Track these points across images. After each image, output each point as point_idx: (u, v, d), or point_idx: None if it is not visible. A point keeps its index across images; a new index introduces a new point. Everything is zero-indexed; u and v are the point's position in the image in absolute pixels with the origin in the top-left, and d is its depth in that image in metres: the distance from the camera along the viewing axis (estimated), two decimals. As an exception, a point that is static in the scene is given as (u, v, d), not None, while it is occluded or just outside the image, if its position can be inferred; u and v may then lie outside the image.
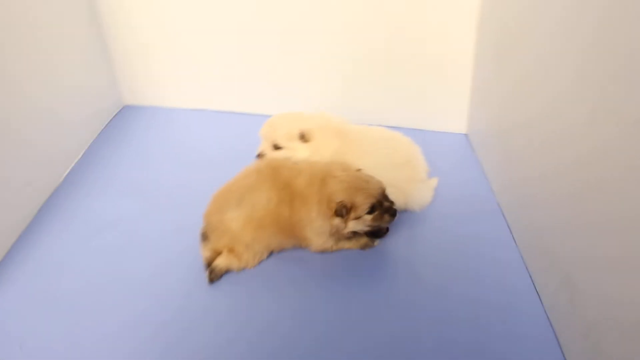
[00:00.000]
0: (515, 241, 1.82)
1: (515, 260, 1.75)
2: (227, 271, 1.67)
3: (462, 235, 1.86)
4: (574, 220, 1.40)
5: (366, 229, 1.64)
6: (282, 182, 1.64)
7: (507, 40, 1.96)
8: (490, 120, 2.19)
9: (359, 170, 1.67)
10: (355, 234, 1.70)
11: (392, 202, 1.63)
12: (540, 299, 1.59)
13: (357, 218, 1.59)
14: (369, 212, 1.59)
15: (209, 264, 1.65)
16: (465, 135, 2.50)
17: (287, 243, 1.72)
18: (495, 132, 2.11)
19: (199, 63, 2.54)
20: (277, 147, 1.94)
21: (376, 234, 1.71)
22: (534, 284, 1.65)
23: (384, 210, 1.61)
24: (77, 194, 2.04)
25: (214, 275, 1.64)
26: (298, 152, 1.93)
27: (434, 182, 2.06)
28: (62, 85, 2.13)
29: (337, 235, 1.67)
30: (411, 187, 1.91)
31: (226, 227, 1.65)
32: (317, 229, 1.63)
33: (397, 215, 1.63)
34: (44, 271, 1.69)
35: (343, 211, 1.56)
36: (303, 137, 1.92)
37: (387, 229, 1.70)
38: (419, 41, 2.29)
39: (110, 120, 2.56)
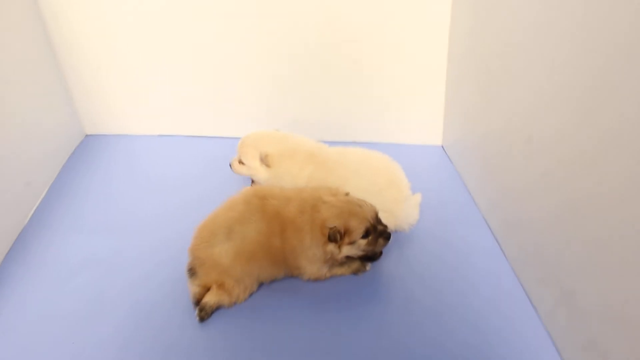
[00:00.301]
0: (504, 253, 1.83)
1: (506, 273, 1.75)
2: (217, 308, 1.59)
3: (450, 251, 1.85)
4: (567, 229, 1.40)
5: (360, 253, 1.61)
6: (271, 212, 1.59)
7: (479, 50, 1.98)
8: (466, 131, 2.20)
9: (347, 194, 1.64)
10: (348, 259, 1.66)
11: (385, 226, 1.61)
12: (537, 312, 1.59)
13: (352, 243, 1.56)
14: (364, 237, 1.56)
15: (197, 301, 1.57)
16: (441, 147, 2.51)
17: (279, 274, 1.66)
18: (472, 142, 2.13)
19: (158, 89, 2.46)
20: (242, 163, 1.97)
21: (370, 257, 1.68)
22: (528, 297, 1.65)
23: (378, 234, 1.58)
24: (45, 235, 1.91)
25: (204, 314, 1.56)
26: (259, 174, 1.94)
27: (418, 198, 2.04)
28: (20, 122, 2.01)
29: (331, 262, 1.63)
30: (398, 207, 1.88)
31: (215, 261, 1.57)
32: (311, 256, 1.58)
33: (391, 238, 1.61)
34: (17, 325, 1.56)
35: (337, 236, 1.53)
36: (263, 161, 1.91)
37: (381, 253, 1.67)
38: (390, 54, 2.29)
39: (73, 151, 2.44)
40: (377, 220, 1.59)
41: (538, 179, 1.56)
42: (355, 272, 1.73)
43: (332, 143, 2.09)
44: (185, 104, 2.51)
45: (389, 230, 1.61)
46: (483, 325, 1.56)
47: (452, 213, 2.06)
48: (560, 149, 1.42)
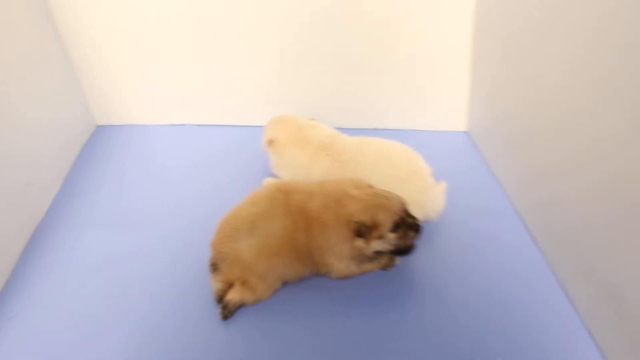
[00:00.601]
0: (537, 245, 1.75)
1: (539, 265, 1.67)
2: (241, 306, 1.53)
3: (480, 241, 1.78)
4: (605, 219, 1.32)
5: (391, 247, 1.53)
6: (295, 208, 1.52)
7: (505, 32, 1.89)
8: (491, 116, 2.11)
9: (371, 186, 1.56)
10: (377, 254, 1.59)
11: (414, 218, 1.53)
12: (577, 311, 1.51)
13: (381, 237, 1.48)
14: (393, 230, 1.48)
15: (220, 298, 1.51)
16: (466, 132, 2.42)
17: (305, 272, 1.59)
18: (498, 127, 2.04)
19: (168, 78, 2.38)
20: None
21: (402, 251, 1.60)
22: (565, 290, 1.57)
23: (408, 227, 1.51)
24: (60, 231, 1.85)
25: (228, 312, 1.50)
26: (270, 157, 1.98)
27: (442, 186, 1.96)
28: (31, 115, 1.93)
29: (360, 258, 1.56)
30: (423, 197, 1.81)
31: (238, 256, 1.51)
32: (339, 253, 1.52)
33: (422, 230, 1.53)
34: (35, 326, 1.51)
35: (364, 231, 1.46)
36: (267, 145, 1.93)
37: (414, 246, 1.59)
38: (414, 38, 2.19)
39: (85, 143, 2.37)
40: (406, 213, 1.51)
41: (568, 160, 1.49)
42: (385, 267, 1.66)
43: (353, 130, 2.03)
44: (197, 93, 2.43)
45: (419, 222, 1.53)
46: (520, 317, 1.50)
47: (480, 200, 1.98)
48: (591, 128, 1.36)
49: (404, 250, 1.58)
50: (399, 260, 1.67)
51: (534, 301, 1.56)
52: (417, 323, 1.50)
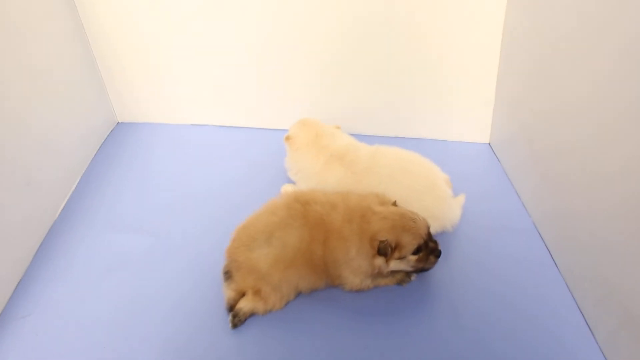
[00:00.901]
0: (555, 263, 1.71)
1: (557, 285, 1.64)
2: (251, 315, 1.52)
3: (497, 256, 1.75)
4: (630, 240, 1.27)
5: (409, 269, 1.53)
6: (314, 219, 1.50)
7: (532, 44, 1.85)
8: (515, 128, 2.07)
9: (395, 203, 1.55)
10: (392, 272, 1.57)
11: (436, 242, 1.52)
12: (594, 334, 1.47)
13: (401, 258, 1.47)
14: (414, 253, 1.47)
15: (232, 306, 1.50)
16: (489, 144, 2.37)
17: (320, 284, 1.58)
18: (522, 140, 2.00)
19: (191, 78, 2.37)
20: None
21: (419, 271, 1.58)
22: (584, 317, 1.53)
23: (430, 252, 1.50)
24: (77, 231, 1.85)
25: (238, 320, 1.49)
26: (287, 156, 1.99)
27: (461, 199, 1.93)
28: (52, 111, 1.94)
29: (376, 274, 1.53)
30: (440, 209, 1.79)
31: (253, 266, 1.49)
32: (356, 268, 1.50)
33: (441, 255, 1.51)
34: (48, 329, 1.50)
35: (387, 250, 1.44)
36: (285, 139, 1.95)
37: (431, 268, 1.57)
38: (441, 48, 2.16)
39: (105, 139, 2.38)
40: (429, 236, 1.50)
41: (598, 180, 1.44)
42: (400, 283, 1.63)
43: (375, 138, 2.01)
44: (218, 94, 2.42)
45: (439, 247, 1.51)
46: (534, 334, 1.47)
47: (498, 214, 1.94)
48: (614, 146, 1.33)
49: (420, 270, 1.56)
50: (414, 276, 1.65)
51: (550, 318, 1.53)
52: (430, 337, 1.48)
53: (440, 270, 1.68)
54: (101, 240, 1.81)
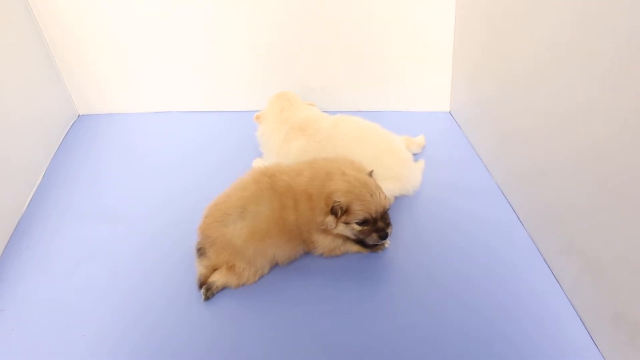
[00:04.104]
0: (519, 218, 1.78)
1: (522, 239, 1.71)
2: (223, 288, 1.55)
3: (463, 218, 1.81)
4: (591, 195, 1.35)
5: (352, 237, 1.56)
6: (282, 188, 1.53)
7: (491, 13, 1.90)
8: (474, 94, 2.13)
9: (370, 174, 1.57)
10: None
11: (387, 225, 1.53)
12: (559, 283, 1.54)
13: (347, 223, 1.50)
14: (359, 224, 1.50)
15: (202, 283, 1.53)
16: (449, 113, 2.44)
17: (295, 252, 1.61)
18: (482, 105, 2.06)
19: (150, 65, 2.36)
20: None
21: (362, 243, 1.63)
22: (548, 265, 1.60)
23: (375, 229, 1.52)
24: (46, 223, 1.82)
25: (210, 294, 1.52)
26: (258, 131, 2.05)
27: (421, 164, 2.01)
28: (10, 107, 1.90)
29: (344, 237, 1.58)
30: (398, 171, 1.85)
31: (228, 241, 1.51)
32: (319, 225, 1.52)
33: (388, 237, 1.55)
34: (25, 317, 1.49)
35: (338, 211, 1.47)
36: (256, 118, 2.01)
37: (381, 246, 1.65)
38: (396, 20, 2.19)
39: (67, 133, 2.33)
40: (381, 216, 1.51)
41: (555, 135, 1.51)
42: (374, 250, 1.67)
43: (337, 113, 2.02)
44: (179, 80, 2.41)
45: (388, 230, 1.53)
46: (500, 293, 1.52)
47: (463, 178, 2.01)
48: (572, 102, 1.39)
49: (363, 243, 1.61)
50: (388, 243, 1.68)
51: (516, 270, 1.59)
52: (403, 296, 1.52)
53: (408, 231, 1.75)
54: (70, 231, 1.79)
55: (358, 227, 1.50)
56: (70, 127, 2.38)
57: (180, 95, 2.46)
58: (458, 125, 2.33)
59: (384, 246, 1.68)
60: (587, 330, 1.40)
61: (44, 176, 2.05)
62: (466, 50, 2.17)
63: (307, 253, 1.65)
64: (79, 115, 2.47)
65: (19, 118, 1.95)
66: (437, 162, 2.04)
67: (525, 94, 1.68)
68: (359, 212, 1.47)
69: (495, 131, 1.95)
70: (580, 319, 1.42)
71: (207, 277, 1.53)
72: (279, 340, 1.41)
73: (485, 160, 2.07)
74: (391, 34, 2.23)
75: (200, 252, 1.56)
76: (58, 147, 2.22)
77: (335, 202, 1.46)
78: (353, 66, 2.33)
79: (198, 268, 1.55)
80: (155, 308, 1.51)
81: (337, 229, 1.51)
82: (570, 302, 1.48)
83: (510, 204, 1.85)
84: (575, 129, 1.40)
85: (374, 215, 1.49)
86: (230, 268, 1.52)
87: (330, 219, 1.48)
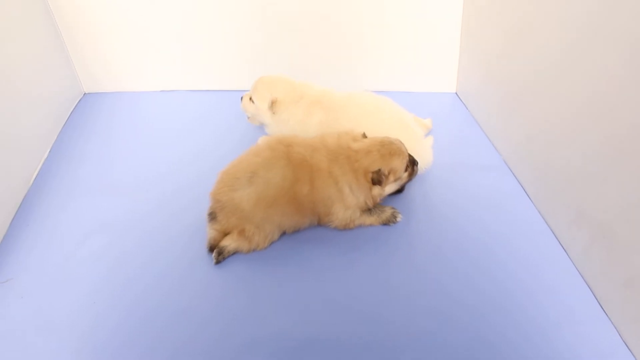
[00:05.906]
0: (527, 193, 1.79)
1: (530, 212, 1.73)
2: (234, 253, 1.55)
3: (471, 193, 1.82)
4: (600, 157, 1.36)
5: (398, 187, 1.68)
6: (297, 160, 1.53)
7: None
8: (483, 74, 2.14)
9: (364, 135, 1.63)
10: (376, 209, 1.66)
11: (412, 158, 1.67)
12: (567, 253, 1.55)
13: (396, 180, 1.62)
14: (405, 170, 1.63)
15: (212, 247, 1.54)
16: (455, 94, 2.44)
17: (303, 222, 1.61)
18: (489, 84, 2.07)
19: (156, 45, 2.36)
20: (252, 100, 1.99)
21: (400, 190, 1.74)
22: (557, 238, 1.61)
23: (412, 163, 1.66)
24: (52, 199, 1.81)
25: (222, 257, 1.53)
26: (264, 116, 1.98)
27: (430, 140, 2.01)
28: (17, 84, 1.89)
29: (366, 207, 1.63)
30: (411, 146, 1.83)
31: (236, 205, 1.51)
32: (349, 202, 1.57)
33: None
34: (34, 285, 1.49)
35: (382, 178, 1.55)
36: (270, 106, 1.93)
37: (395, 218, 1.70)
38: (404, 3, 2.20)
39: (72, 110, 2.33)
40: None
41: (561, 110, 1.52)
42: (386, 223, 1.68)
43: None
44: (185, 59, 2.41)
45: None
46: (510, 264, 1.53)
47: (471, 157, 2.01)
48: (584, 75, 1.40)
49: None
50: (400, 217, 1.69)
51: (525, 242, 1.61)
52: (411, 270, 1.53)
53: (418, 208, 1.76)
54: (76, 206, 1.78)
55: (406, 173, 1.64)
56: (77, 104, 2.37)
57: (185, 75, 2.46)
58: (465, 105, 2.33)
59: (395, 219, 1.68)
60: (596, 298, 1.41)
61: (50, 151, 2.04)
62: (474, 30, 2.17)
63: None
64: (84, 93, 2.46)
65: (26, 94, 1.94)
66: (445, 141, 2.04)
67: (530, 72, 1.70)
68: (403, 161, 1.60)
69: (501, 109, 1.96)
70: (590, 288, 1.44)
71: (217, 240, 1.54)
72: (287, 304, 1.42)
73: (492, 137, 2.07)
74: (398, 14, 2.23)
75: (212, 216, 1.57)
76: (64, 124, 2.22)
77: (374, 172, 1.53)
78: (359, 46, 2.34)
79: (209, 231, 1.56)
80: (166, 275, 1.52)
81: (386, 191, 1.63)
82: (579, 272, 1.49)
83: (517, 180, 1.86)
84: (579, 102, 1.41)
85: (408, 154, 1.61)
86: (241, 232, 1.53)
87: (377, 189, 1.56)
